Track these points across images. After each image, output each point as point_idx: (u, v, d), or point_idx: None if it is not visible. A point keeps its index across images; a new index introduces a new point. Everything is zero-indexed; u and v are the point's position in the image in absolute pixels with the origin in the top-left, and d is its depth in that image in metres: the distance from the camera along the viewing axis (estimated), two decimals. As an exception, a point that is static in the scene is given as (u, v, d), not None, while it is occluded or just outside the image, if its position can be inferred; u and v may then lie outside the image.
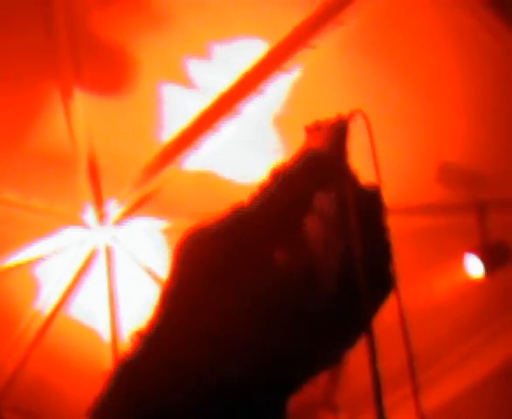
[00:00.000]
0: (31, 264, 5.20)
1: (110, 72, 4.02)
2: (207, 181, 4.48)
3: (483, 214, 4.49)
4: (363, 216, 1.94)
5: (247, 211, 2.00)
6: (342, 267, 2.08)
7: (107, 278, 5.26)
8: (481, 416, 5.04)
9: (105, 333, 5.61)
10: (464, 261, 4.56)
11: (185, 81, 4.00)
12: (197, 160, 4.38)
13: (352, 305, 1.87)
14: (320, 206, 2.08)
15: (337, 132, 2.12)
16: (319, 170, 2.06)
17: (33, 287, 5.40)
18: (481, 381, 5.14)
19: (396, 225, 4.80)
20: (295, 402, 4.03)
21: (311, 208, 2.04)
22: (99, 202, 4.77)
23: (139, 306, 5.00)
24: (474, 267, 4.52)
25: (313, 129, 2.17)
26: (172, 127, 4.26)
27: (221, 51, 3.83)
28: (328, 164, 2.08)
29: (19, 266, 5.18)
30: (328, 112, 4.08)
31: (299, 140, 4.22)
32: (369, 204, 2.14)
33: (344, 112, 2.15)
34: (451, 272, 4.80)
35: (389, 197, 4.59)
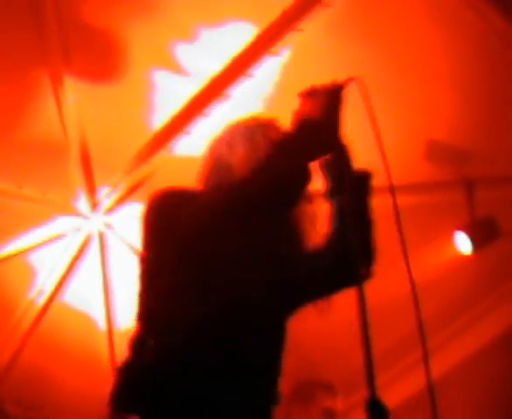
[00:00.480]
0: (26, 253, 5.23)
1: (100, 60, 4.04)
2: (198, 165, 4.50)
3: (471, 191, 4.53)
4: (352, 190, 2.02)
5: (246, 180, 2.02)
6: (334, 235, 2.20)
7: (102, 265, 5.30)
8: (473, 391, 5.10)
9: (100, 318, 5.65)
10: (453, 238, 4.62)
11: (175, 66, 4.01)
12: (188, 145, 4.40)
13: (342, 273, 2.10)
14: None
15: (332, 98, 2.09)
16: (314, 140, 2.06)
17: (28, 276, 5.42)
18: (473, 356, 5.20)
19: (385, 204, 4.87)
20: (294, 384, 4.11)
21: (308, 177, 2.05)
22: (91, 190, 4.80)
23: (133, 292, 5.03)
24: (463, 244, 4.57)
25: (307, 94, 2.13)
26: (162, 113, 4.28)
27: (210, 35, 3.85)
28: (324, 134, 2.07)
29: (14, 255, 5.21)
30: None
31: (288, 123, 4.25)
32: (358, 181, 2.23)
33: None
34: (440, 249, 4.84)
35: (377, 176, 4.66)
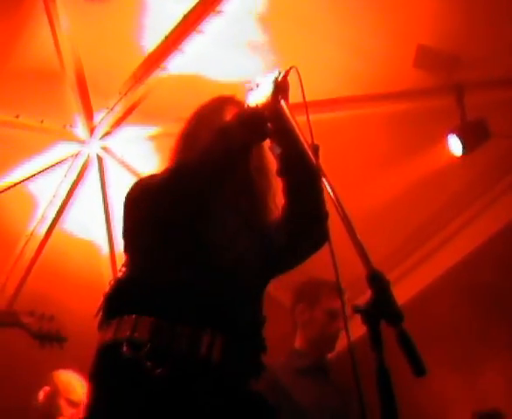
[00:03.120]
0: (26, 181, 5.28)
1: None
2: (193, 83, 4.52)
3: (461, 94, 4.59)
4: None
5: (194, 164, 2.28)
6: None
7: (101, 188, 5.36)
8: (470, 291, 5.23)
9: (101, 242, 5.75)
10: (445, 141, 4.67)
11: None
12: (182, 63, 4.41)
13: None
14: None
15: (277, 86, 2.31)
16: (258, 125, 2.31)
17: (29, 204, 5.49)
18: (469, 256, 5.32)
19: (376, 112, 4.93)
20: (299, 285, 4.21)
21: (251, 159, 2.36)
22: (88, 115, 4.83)
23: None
24: (456, 146, 4.62)
25: (252, 87, 2.36)
26: (156, 32, 4.28)
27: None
28: (266, 119, 2.32)
29: (14, 185, 5.24)
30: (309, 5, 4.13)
31: (281, 36, 4.28)
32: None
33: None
34: (434, 154, 4.91)
35: (368, 85, 4.72)
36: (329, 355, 4.13)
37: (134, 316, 2.10)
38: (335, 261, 2.00)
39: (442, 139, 4.70)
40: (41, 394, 4.19)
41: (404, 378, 1.76)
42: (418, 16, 4.27)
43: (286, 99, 2.33)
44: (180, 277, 2.18)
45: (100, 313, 2.25)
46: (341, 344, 4.16)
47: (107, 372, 2.12)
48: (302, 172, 2.39)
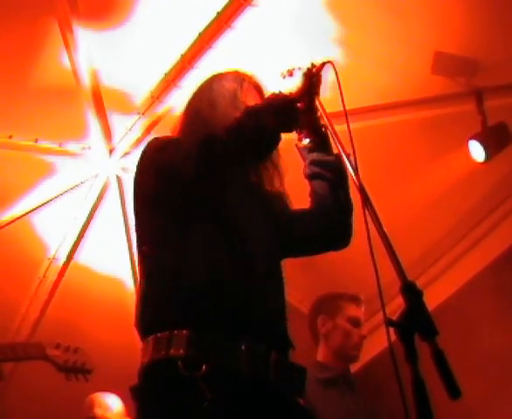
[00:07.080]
0: (45, 205, 5.26)
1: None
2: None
3: (481, 100, 4.55)
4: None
5: (220, 136, 2.17)
6: None
7: (122, 210, 5.33)
8: (488, 300, 5.19)
9: (124, 267, 5.72)
10: (466, 148, 4.62)
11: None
12: (198, 81, 4.38)
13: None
14: None
15: (309, 79, 2.24)
16: (290, 114, 2.24)
17: (49, 229, 5.47)
18: (492, 263, 5.27)
19: (396, 120, 4.88)
20: (319, 298, 4.19)
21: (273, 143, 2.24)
22: (107, 135, 4.82)
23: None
24: (477, 152, 4.58)
25: (286, 75, 2.30)
26: (172, 51, 4.26)
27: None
28: (296, 108, 2.25)
29: (34, 209, 5.23)
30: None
31: (299, 47, 4.23)
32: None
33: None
34: (455, 161, 4.86)
35: (387, 94, 4.68)
36: (354, 368, 4.12)
37: (185, 331, 2.00)
38: (376, 268, 1.91)
39: (463, 145, 4.64)
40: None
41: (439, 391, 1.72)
42: (437, 23, 4.23)
43: (317, 93, 2.26)
44: (229, 287, 2.11)
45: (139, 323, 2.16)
46: (364, 358, 4.13)
47: (160, 389, 2.01)
48: (332, 178, 2.42)
